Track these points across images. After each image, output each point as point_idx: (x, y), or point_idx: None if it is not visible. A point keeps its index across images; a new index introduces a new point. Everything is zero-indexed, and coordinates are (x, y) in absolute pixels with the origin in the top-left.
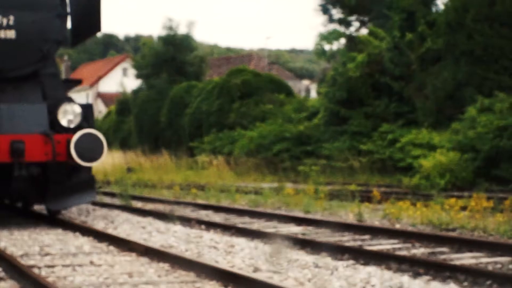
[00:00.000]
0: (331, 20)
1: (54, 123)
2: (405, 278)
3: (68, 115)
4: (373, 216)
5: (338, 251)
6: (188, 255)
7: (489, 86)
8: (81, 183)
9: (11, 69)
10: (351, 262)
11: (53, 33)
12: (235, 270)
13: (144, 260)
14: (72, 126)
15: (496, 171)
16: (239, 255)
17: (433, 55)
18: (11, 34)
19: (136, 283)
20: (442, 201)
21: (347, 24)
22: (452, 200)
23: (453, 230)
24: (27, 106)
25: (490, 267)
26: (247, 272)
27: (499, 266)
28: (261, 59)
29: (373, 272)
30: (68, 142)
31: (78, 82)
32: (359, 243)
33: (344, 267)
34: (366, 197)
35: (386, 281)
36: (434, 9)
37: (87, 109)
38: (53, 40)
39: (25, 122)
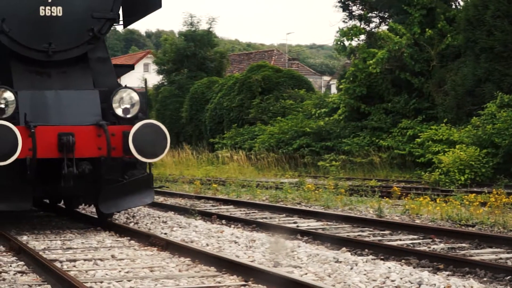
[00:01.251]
0: (351, 16)
1: (106, 113)
2: (425, 273)
3: (124, 103)
4: (392, 211)
5: (358, 246)
6: (208, 249)
7: (509, 82)
8: (137, 182)
9: (57, 51)
10: (371, 257)
11: (104, 11)
12: (255, 264)
13: (165, 254)
14: (128, 116)
15: None
16: (260, 249)
17: (453, 51)
18: (57, 10)
19: (157, 277)
20: (461, 197)
21: (367, 20)
22: (472, 196)
23: (473, 225)
24: (76, 93)
25: (509, 263)
26: (268, 266)
27: None
28: (282, 55)
29: (393, 267)
30: (124, 135)
31: (130, 67)
32: (379, 238)
33: (364, 262)
34: (386, 193)
35: (405, 276)
36: (454, 6)
37: (141, 96)
38: (104, 18)
39: (75, 111)
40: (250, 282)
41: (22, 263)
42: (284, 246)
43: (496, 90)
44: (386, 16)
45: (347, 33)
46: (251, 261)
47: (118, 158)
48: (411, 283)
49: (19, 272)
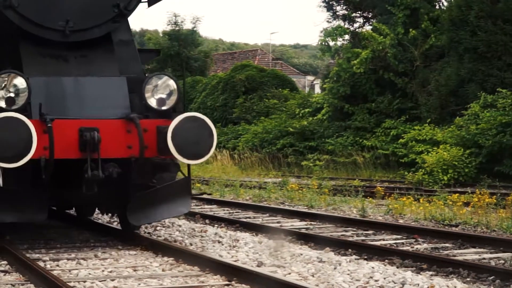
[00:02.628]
0: (335, 16)
1: (133, 105)
2: (408, 273)
3: (159, 92)
4: (376, 211)
5: (342, 246)
6: (192, 249)
7: (492, 82)
8: (173, 187)
9: (76, 30)
10: (354, 257)
11: None
12: (239, 264)
13: (148, 254)
14: (164, 108)
15: (499, 167)
16: (243, 249)
17: (437, 51)
18: None
19: (141, 277)
20: (445, 197)
21: (351, 20)
22: (455, 196)
23: (456, 225)
24: (100, 80)
25: (492, 263)
26: (251, 266)
27: (501, 261)
28: (266, 54)
29: (376, 267)
30: (159, 131)
31: (156, 52)
32: (362, 238)
33: (348, 262)
34: (369, 193)
35: (389, 276)
36: (437, 6)
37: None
38: None
39: (99, 102)
40: (233, 282)
41: (5, 262)
42: (284, 246)
43: (480, 90)
44: (370, 16)
45: (331, 33)
46: (235, 261)
47: (150, 159)
48: (395, 283)
49: (2, 271)
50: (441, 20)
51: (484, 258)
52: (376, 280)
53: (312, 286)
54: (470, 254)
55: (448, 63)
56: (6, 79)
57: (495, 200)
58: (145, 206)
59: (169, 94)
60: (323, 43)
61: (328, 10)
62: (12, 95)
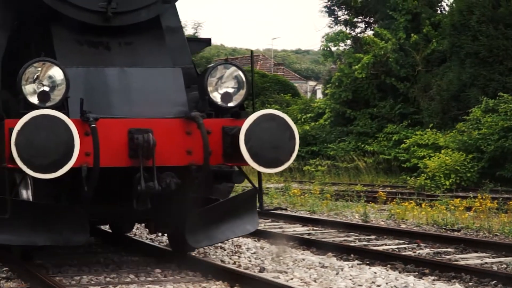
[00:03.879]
0: (336, 21)
1: (188, 101)
2: (411, 278)
3: (224, 85)
4: (378, 216)
5: (344, 251)
6: (194, 255)
7: (494, 87)
8: (239, 201)
9: (120, 12)
10: (356, 262)
11: None
12: (241, 270)
13: (150, 260)
14: (231, 104)
15: (501, 171)
16: (246, 255)
17: (438, 56)
18: None
19: (143, 283)
20: (447, 202)
21: (353, 25)
22: (457, 201)
23: (458, 230)
24: (151, 72)
25: (495, 267)
26: (253, 272)
27: (504, 266)
28: (267, 60)
29: (379, 272)
30: (225, 133)
31: (206, 42)
32: (364, 243)
33: (350, 267)
34: (371, 198)
35: (391, 281)
36: (439, 11)
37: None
38: None
39: (151, 97)
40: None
41: (6, 269)
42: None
43: (481, 95)
44: (371, 21)
45: (333, 39)
46: (237, 267)
47: (214, 167)
48: None
49: (4, 278)
50: (443, 25)
51: (486, 263)
52: (378, 285)
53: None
54: (472, 259)
55: (450, 67)
56: (40, 69)
57: (497, 205)
58: (207, 224)
59: (238, 88)
60: (325, 48)
61: (329, 15)
62: (46, 88)
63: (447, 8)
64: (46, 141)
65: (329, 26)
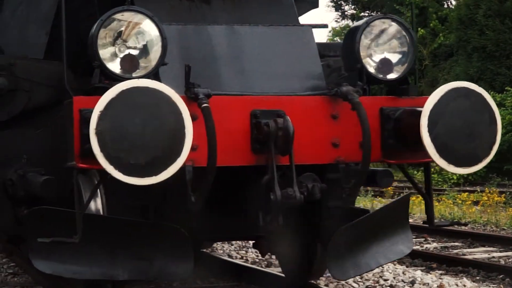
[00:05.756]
0: (343, 16)
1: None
2: (418, 273)
3: (380, 49)
4: None
5: None
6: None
7: (501, 81)
8: (388, 213)
9: None
10: None
11: None
12: (248, 264)
13: None
14: (391, 76)
15: (508, 166)
16: (253, 249)
17: (445, 50)
18: None
19: None
20: (454, 196)
21: (360, 20)
22: (464, 195)
23: (465, 224)
24: (272, 31)
25: (502, 261)
26: (260, 267)
27: (511, 260)
28: None
29: (386, 267)
30: (385, 116)
31: (312, 3)
32: None
33: None
34: (378, 192)
35: (399, 276)
36: (446, 5)
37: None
38: None
39: (276, 65)
40: (242, 283)
41: (13, 264)
42: None
43: (488, 89)
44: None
45: (340, 33)
46: (244, 262)
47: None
48: (404, 282)
49: (11, 273)
50: (450, 19)
51: (493, 257)
52: (385, 280)
53: (322, 286)
54: (479, 253)
55: (457, 62)
56: (123, 23)
57: (504, 199)
58: (353, 246)
59: (402, 54)
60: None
61: (336, 10)
62: (134, 52)
63: (454, 2)
64: (145, 128)
65: (336, 21)
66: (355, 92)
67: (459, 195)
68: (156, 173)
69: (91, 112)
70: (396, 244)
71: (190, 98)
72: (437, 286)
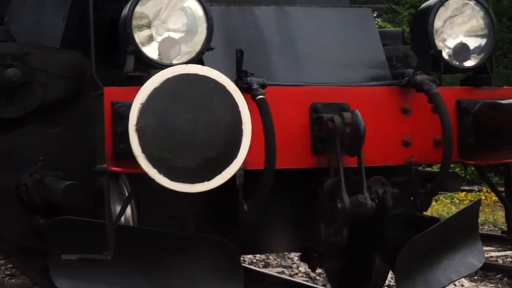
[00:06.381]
0: None
1: None
2: None
3: (455, 31)
4: None
5: None
6: None
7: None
8: (456, 222)
9: None
10: None
11: None
12: (246, 265)
13: None
14: (470, 64)
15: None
16: None
17: None
18: None
19: None
20: (451, 195)
21: None
22: (462, 194)
23: None
24: (328, 11)
25: (500, 261)
26: (258, 267)
27: (509, 260)
28: None
29: None
30: (465, 110)
31: None
32: None
33: None
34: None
35: None
36: None
37: None
38: None
39: (335, 52)
40: None
41: (11, 266)
42: None
43: None
44: (375, 15)
45: None
46: (242, 262)
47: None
48: None
49: (8, 275)
50: None
51: (491, 257)
52: None
53: (319, 286)
54: None
55: None
56: (162, 0)
57: None
58: (423, 260)
59: (481, 38)
60: None
61: None
62: (174, 34)
63: None
64: (196, 123)
65: None
66: (433, 83)
67: (456, 195)
68: (208, 178)
69: (126, 105)
70: (467, 257)
71: (242, 88)
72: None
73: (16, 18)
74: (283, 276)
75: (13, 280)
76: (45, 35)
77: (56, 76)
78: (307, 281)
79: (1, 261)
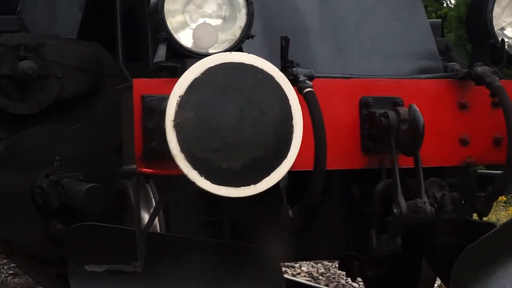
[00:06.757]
0: None
1: None
2: None
3: None
4: None
5: None
6: None
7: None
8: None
9: None
10: None
11: None
12: None
13: None
14: None
15: None
16: None
17: None
18: None
19: None
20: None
21: None
22: (503, 198)
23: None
24: None
25: None
26: None
27: None
28: None
29: None
30: None
31: None
32: None
33: None
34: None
35: None
36: (445, 4)
37: None
38: None
39: (382, 40)
40: None
41: (13, 265)
42: None
43: None
44: None
45: None
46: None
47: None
48: None
49: (11, 274)
50: (449, 18)
51: None
52: None
53: (322, 286)
54: None
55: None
56: None
57: (505, 198)
58: (478, 268)
59: None
60: None
61: None
62: (210, 21)
63: (453, 1)
64: (242, 118)
65: None
66: (494, 74)
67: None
68: (255, 181)
69: (158, 98)
70: None
71: (290, 79)
72: (437, 286)
73: (30, 7)
74: (285, 275)
75: (16, 280)
76: (61, 25)
77: (73, 69)
78: (309, 281)
79: (4, 261)
